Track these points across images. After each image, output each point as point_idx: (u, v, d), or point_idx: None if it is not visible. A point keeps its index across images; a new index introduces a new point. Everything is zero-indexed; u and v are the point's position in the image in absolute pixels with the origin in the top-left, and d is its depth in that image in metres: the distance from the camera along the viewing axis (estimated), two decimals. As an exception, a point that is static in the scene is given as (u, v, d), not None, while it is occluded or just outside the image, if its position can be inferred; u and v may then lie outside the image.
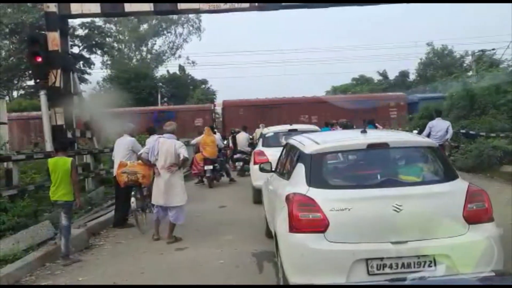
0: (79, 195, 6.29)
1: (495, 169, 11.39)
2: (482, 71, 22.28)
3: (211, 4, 10.44)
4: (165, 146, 6.82)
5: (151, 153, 6.96)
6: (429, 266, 3.66)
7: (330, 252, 3.72)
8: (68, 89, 10.71)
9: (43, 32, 10.89)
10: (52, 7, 10.24)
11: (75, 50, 29.86)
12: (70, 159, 6.17)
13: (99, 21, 33.11)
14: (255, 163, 9.14)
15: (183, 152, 6.76)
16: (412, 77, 44.15)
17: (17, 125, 21.31)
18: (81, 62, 30.93)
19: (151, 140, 10.35)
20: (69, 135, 10.48)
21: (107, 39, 35.23)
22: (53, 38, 10.13)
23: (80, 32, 31.02)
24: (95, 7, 10.50)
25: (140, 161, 7.43)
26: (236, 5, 10.44)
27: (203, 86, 37.93)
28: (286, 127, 10.66)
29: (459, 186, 4.02)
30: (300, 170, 4.27)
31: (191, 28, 41.75)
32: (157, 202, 6.89)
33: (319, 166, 4.18)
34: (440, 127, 10.56)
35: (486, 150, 11.73)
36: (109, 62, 37.90)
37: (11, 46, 28.73)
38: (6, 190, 7.84)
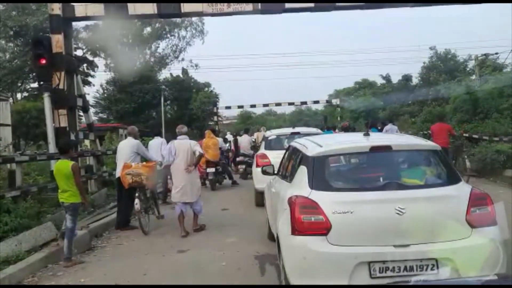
0: (84, 197, 6.32)
1: (498, 173, 11.36)
2: (485, 75, 22.26)
3: (214, 7, 10.47)
4: (183, 147, 7.33)
5: (168, 154, 7.46)
6: (432, 269, 3.65)
7: (332, 254, 3.71)
8: (71, 91, 10.75)
9: (47, 34, 10.92)
10: (57, 10, 10.28)
11: (79, 52, 29.95)
12: (72, 162, 6.16)
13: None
14: (257, 165, 9.15)
15: (199, 149, 7.45)
16: (415, 81, 44.08)
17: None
18: (85, 65, 30.97)
19: (155, 142, 10.43)
20: (72, 137, 10.50)
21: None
22: (57, 41, 10.16)
23: (84, 34, 31.14)
24: (99, 10, 10.55)
25: (144, 163, 7.54)
26: (239, 8, 10.46)
27: (206, 89, 37.93)
28: (289, 130, 10.66)
29: (462, 190, 4.01)
30: (302, 172, 4.27)
31: (194, 31, 41.76)
32: (183, 199, 7.31)
33: (321, 169, 4.18)
34: (392, 129, 14.65)
35: (489, 154, 11.71)
36: (112, 65, 37.98)
37: (15, 49, 28.76)
38: (9, 191, 7.84)
